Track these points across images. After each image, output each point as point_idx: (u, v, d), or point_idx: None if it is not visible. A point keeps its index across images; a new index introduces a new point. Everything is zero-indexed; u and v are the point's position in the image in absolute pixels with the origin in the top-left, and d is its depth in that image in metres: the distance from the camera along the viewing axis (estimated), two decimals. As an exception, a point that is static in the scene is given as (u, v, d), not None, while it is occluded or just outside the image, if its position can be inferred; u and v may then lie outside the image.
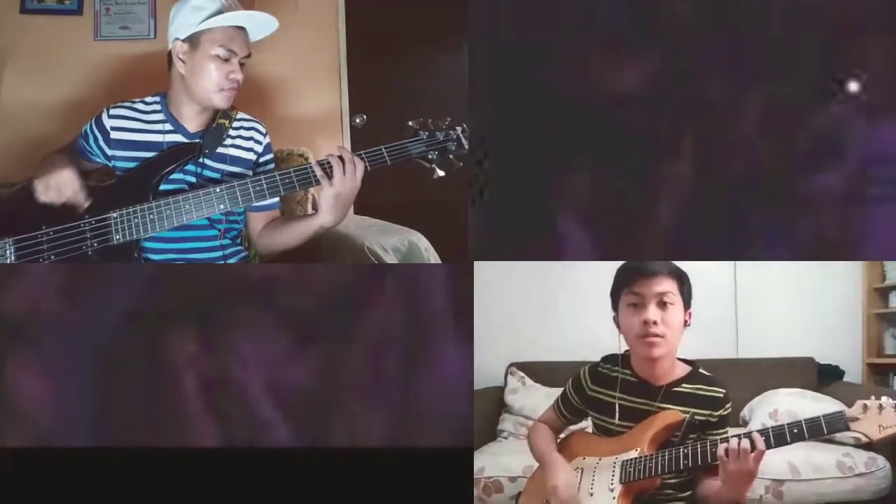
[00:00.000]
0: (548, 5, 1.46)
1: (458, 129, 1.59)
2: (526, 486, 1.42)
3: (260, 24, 1.62)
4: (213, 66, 1.57)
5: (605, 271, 1.34)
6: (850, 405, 1.15)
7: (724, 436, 1.23)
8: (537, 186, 1.45)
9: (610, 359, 1.36)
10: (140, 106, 1.65)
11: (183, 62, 1.58)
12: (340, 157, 1.51)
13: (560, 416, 1.41)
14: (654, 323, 1.25)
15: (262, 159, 1.70)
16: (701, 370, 1.31)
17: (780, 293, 2.39)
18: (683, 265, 1.31)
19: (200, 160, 1.61)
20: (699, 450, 1.21)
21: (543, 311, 2.42)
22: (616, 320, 1.32)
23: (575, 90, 1.43)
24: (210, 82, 1.57)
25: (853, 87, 1.40)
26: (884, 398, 1.14)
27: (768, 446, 1.16)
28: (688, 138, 1.42)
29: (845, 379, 2.28)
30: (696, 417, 1.25)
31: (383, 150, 1.56)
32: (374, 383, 1.27)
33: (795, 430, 1.16)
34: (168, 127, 1.63)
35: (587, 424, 1.41)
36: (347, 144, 2.46)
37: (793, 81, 1.41)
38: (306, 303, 1.28)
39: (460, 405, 1.28)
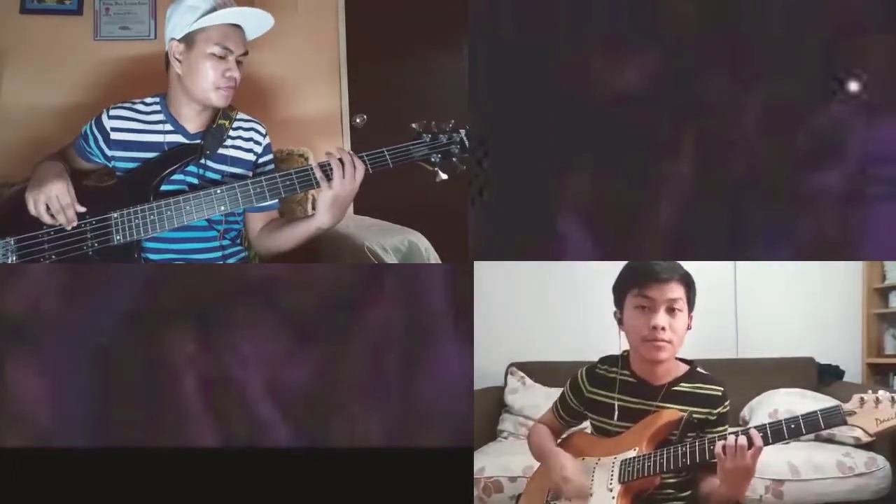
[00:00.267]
0: (548, 5, 1.46)
1: (462, 131, 1.58)
2: (526, 487, 1.41)
3: (255, 21, 1.62)
4: (209, 65, 1.56)
5: (606, 271, 1.34)
6: (849, 404, 1.15)
7: (723, 433, 1.23)
8: (537, 186, 1.45)
9: (608, 360, 1.36)
10: (140, 106, 1.65)
11: (180, 62, 1.58)
12: (341, 160, 1.51)
13: (559, 418, 1.41)
14: (663, 329, 1.25)
15: (261, 160, 1.70)
16: (699, 369, 1.31)
17: (780, 293, 2.39)
18: (683, 265, 1.30)
19: (202, 161, 1.61)
20: (697, 448, 1.21)
21: (543, 311, 2.42)
22: (618, 317, 1.32)
23: (575, 90, 1.43)
24: (206, 81, 1.57)
25: (853, 86, 1.40)
26: (880, 392, 1.14)
27: (766, 442, 1.16)
28: (688, 138, 1.42)
29: (845, 379, 2.28)
30: (695, 416, 1.25)
31: (385, 152, 1.55)
32: (373, 383, 1.27)
33: (793, 426, 1.15)
34: (168, 127, 1.63)
35: (586, 426, 1.41)
36: (347, 144, 2.46)
37: (793, 81, 1.41)
38: (306, 303, 1.28)
39: (460, 405, 1.28)
